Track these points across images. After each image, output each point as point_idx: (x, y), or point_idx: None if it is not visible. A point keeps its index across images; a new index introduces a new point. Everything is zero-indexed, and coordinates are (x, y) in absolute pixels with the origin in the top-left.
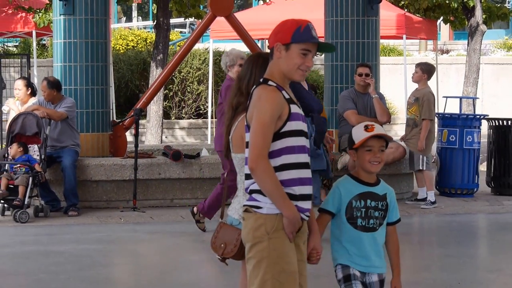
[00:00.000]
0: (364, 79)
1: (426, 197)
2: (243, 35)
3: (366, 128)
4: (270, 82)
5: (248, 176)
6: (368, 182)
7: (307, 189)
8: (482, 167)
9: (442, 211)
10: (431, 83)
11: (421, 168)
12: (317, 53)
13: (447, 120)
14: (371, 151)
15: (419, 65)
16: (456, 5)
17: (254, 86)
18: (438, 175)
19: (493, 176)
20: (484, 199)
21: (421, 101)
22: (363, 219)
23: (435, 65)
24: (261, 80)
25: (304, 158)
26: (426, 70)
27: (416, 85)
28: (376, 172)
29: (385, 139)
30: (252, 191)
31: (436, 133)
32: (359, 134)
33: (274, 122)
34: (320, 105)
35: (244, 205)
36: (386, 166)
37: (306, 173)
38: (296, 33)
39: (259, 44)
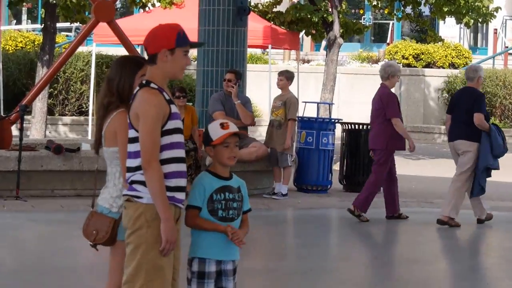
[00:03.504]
0: (227, 85)
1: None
2: (124, 40)
3: (222, 126)
4: (152, 85)
5: (129, 169)
6: (225, 177)
7: (183, 182)
8: (336, 167)
9: (299, 206)
10: (293, 89)
11: (290, 164)
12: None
13: (305, 123)
14: (228, 147)
15: (283, 74)
16: (316, 20)
17: (138, 88)
18: (296, 173)
19: (345, 175)
20: (336, 195)
21: (288, 104)
22: (223, 211)
23: (296, 73)
24: (143, 82)
25: (181, 153)
26: (289, 77)
27: (279, 91)
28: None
29: (239, 136)
30: (133, 182)
31: (295, 134)
32: (216, 131)
33: (159, 123)
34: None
35: (125, 194)
36: (250, 164)
37: (183, 167)
38: (178, 38)
39: (138, 49)
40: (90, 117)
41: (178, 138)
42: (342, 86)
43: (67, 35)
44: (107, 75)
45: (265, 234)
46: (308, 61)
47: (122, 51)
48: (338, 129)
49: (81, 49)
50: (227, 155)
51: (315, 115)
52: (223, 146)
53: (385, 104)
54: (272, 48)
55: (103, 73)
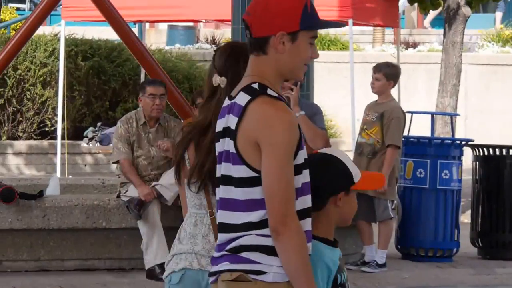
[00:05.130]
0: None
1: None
2: (111, 15)
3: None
4: (270, 91)
5: (234, 227)
6: (335, 244)
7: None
8: (465, 218)
9: (406, 283)
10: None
11: (390, 216)
12: None
13: (413, 146)
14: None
15: (381, 69)
16: None
17: (249, 98)
18: (400, 229)
19: (481, 231)
20: (467, 265)
21: (387, 119)
22: None
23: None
24: (254, 85)
25: (309, 200)
26: (392, 75)
27: (371, 95)
28: None
29: None
30: (244, 248)
31: (398, 167)
32: (355, 167)
33: (292, 156)
34: None
35: (233, 270)
36: None
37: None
38: (304, 15)
39: (135, 30)
40: (58, 140)
41: (307, 176)
42: (471, 85)
43: (18, 9)
44: (208, 73)
45: None
46: (414, 45)
47: (107, 33)
48: (467, 155)
49: (41, 30)
50: (355, 207)
51: (428, 134)
52: (354, 193)
53: None
54: (354, 24)
55: (78, 69)
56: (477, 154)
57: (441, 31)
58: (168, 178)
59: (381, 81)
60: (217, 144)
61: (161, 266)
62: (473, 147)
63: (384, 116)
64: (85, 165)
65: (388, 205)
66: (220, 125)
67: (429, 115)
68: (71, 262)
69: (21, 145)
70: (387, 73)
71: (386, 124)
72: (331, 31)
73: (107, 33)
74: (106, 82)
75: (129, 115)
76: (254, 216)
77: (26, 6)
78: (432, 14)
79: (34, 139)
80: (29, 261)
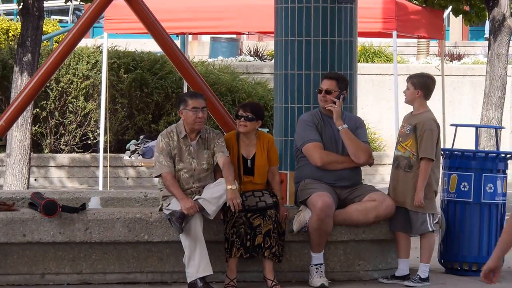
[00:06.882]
0: (324, 99)
1: (408, 274)
2: (153, 27)
3: None
4: None
5: None
6: None
7: None
8: None
9: None
10: (435, 103)
11: (430, 229)
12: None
13: (457, 160)
14: None
15: (411, 78)
16: None
17: None
18: (443, 243)
19: None
20: (511, 279)
21: (420, 132)
22: None
23: (440, 76)
24: None
25: None
26: (419, 85)
27: (411, 107)
28: None
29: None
30: None
31: (440, 180)
32: None
33: None
34: None
35: None
36: (366, 228)
37: None
38: None
39: (177, 42)
40: (101, 154)
41: None
42: None
43: (61, 21)
44: None
45: None
46: (459, 57)
47: (150, 45)
48: None
49: (84, 42)
50: None
51: (472, 146)
52: None
53: None
54: (398, 36)
55: (120, 82)
56: None
57: (486, 43)
58: (211, 191)
59: (410, 90)
60: None
61: (203, 279)
62: None
63: (417, 128)
64: (127, 178)
65: (427, 218)
66: None
67: (474, 128)
68: (113, 275)
69: (63, 158)
70: (415, 82)
71: (420, 137)
72: (375, 43)
73: (149, 45)
74: (149, 94)
75: (169, 129)
76: None
77: (68, 18)
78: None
79: (77, 152)
80: (71, 274)
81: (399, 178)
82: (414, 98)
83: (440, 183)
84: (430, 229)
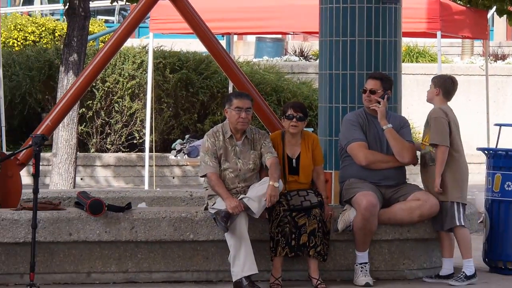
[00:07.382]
0: (368, 99)
1: (453, 273)
2: (198, 27)
3: None
4: None
5: None
6: None
7: None
8: None
9: None
10: (479, 103)
11: (458, 223)
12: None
13: (501, 159)
14: None
15: (433, 78)
16: None
17: None
18: (488, 242)
19: None
20: None
21: (429, 122)
22: None
23: (484, 76)
24: None
25: None
26: (439, 84)
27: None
28: None
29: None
30: None
31: (485, 178)
32: None
33: None
34: None
35: None
36: (411, 227)
37: None
38: None
39: (223, 42)
40: (146, 153)
41: None
42: None
43: (106, 21)
44: None
45: None
46: (504, 57)
47: (195, 45)
48: None
49: (130, 43)
50: None
51: None
52: None
53: None
54: (443, 36)
55: (166, 81)
56: None
57: None
58: (256, 190)
59: (430, 89)
60: None
61: (248, 278)
62: None
63: (428, 122)
64: (173, 178)
65: (455, 212)
66: None
67: None
68: (158, 274)
69: (109, 157)
70: (435, 81)
71: (429, 127)
72: (420, 43)
73: (195, 45)
74: (194, 94)
75: (215, 129)
76: None
77: (114, 18)
78: None
79: (122, 152)
80: (117, 273)
81: (429, 174)
82: (433, 97)
83: (486, 183)
84: (458, 223)
